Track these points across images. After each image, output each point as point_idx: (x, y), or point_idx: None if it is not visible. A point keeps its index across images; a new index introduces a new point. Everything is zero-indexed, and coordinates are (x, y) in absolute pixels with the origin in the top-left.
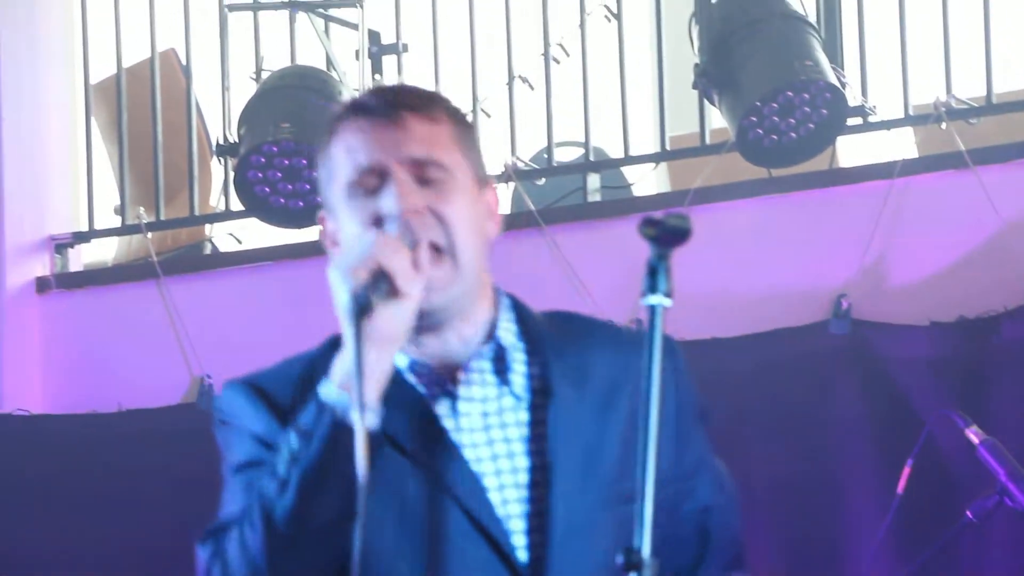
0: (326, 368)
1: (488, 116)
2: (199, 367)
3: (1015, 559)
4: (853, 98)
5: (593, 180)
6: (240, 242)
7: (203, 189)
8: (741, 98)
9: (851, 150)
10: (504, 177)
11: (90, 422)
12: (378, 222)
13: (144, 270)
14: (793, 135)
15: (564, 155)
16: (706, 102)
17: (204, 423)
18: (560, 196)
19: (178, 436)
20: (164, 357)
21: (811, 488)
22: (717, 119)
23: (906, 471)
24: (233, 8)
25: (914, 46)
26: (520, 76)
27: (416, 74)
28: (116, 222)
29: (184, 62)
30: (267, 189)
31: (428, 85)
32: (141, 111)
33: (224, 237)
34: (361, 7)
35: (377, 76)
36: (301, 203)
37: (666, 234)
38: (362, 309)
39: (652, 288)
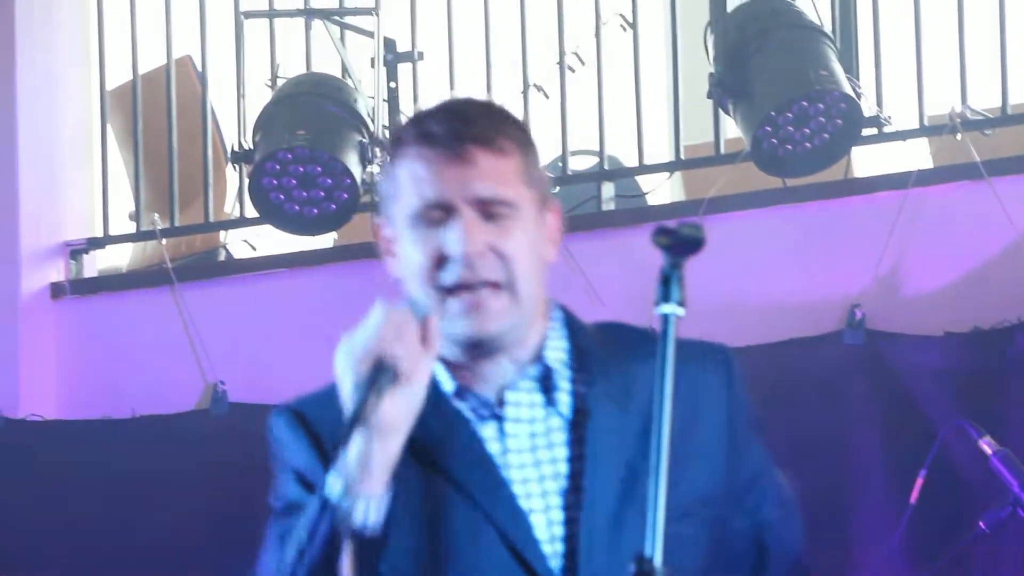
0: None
1: None
2: (212, 373)
3: None
4: (868, 108)
5: (607, 189)
6: (255, 249)
7: (218, 196)
8: (756, 108)
9: (866, 160)
10: None
11: (104, 427)
12: (441, 261)
13: (158, 276)
14: (808, 145)
15: (579, 164)
16: (721, 111)
17: (217, 429)
18: (574, 205)
19: (191, 442)
20: (178, 363)
21: (824, 497)
22: (732, 129)
23: (919, 481)
24: (249, 15)
25: (929, 57)
26: (535, 85)
27: (431, 82)
28: (131, 228)
29: (200, 69)
30: (282, 196)
31: (443, 94)
32: (157, 118)
33: (238, 244)
34: (377, 15)
35: (392, 84)
36: (315, 210)
37: (680, 243)
38: (365, 403)
39: (665, 297)
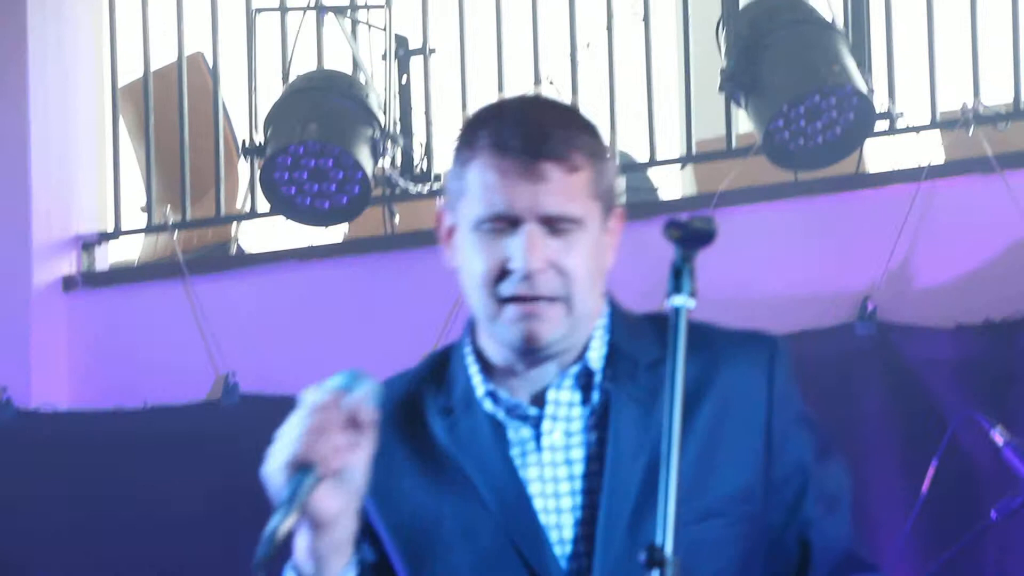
0: (431, 387)
1: None
2: (224, 365)
3: None
4: (880, 103)
5: (619, 182)
6: (266, 242)
7: (229, 189)
8: (768, 102)
9: (878, 154)
10: None
11: (116, 419)
12: (503, 272)
13: (170, 269)
14: (820, 139)
15: None
16: (733, 106)
17: (228, 420)
18: None
19: (203, 433)
20: (189, 355)
21: None
22: (744, 122)
23: (931, 472)
24: (261, 11)
25: (942, 51)
26: (547, 79)
27: (443, 77)
28: (143, 221)
29: (212, 63)
30: (293, 189)
31: (455, 88)
32: (169, 113)
33: (250, 237)
34: (388, 10)
35: (404, 79)
36: (327, 204)
37: (691, 236)
38: (288, 510)
39: (676, 289)
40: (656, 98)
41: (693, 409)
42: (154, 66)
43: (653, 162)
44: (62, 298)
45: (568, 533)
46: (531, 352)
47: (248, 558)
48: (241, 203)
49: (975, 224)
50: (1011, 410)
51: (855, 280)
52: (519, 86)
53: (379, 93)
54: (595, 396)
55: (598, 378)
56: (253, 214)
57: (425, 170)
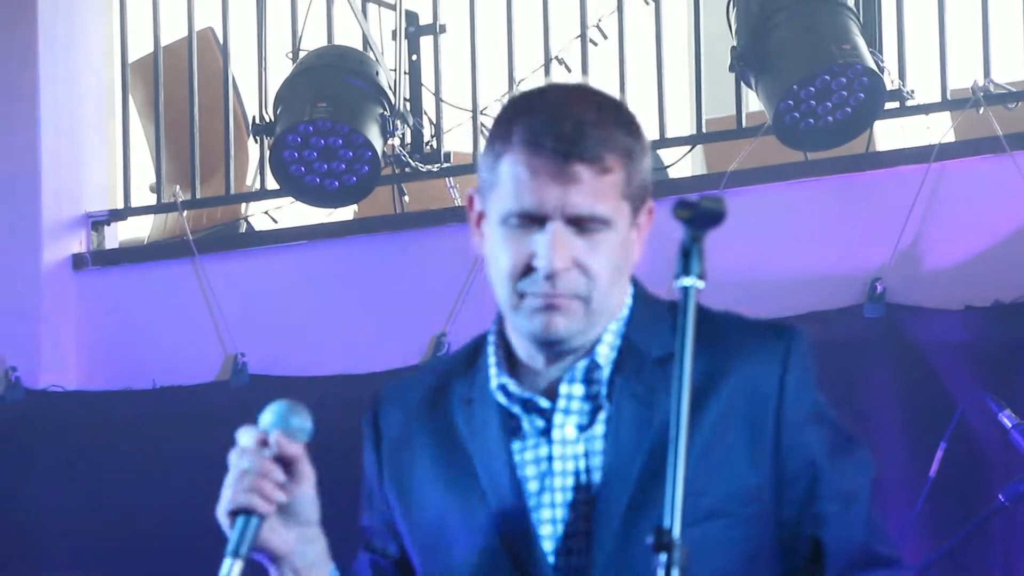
0: (461, 375)
1: None
2: (233, 345)
3: None
4: (890, 82)
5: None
6: (276, 221)
7: (239, 168)
8: (778, 81)
9: (888, 134)
10: None
11: (124, 399)
12: (527, 269)
13: (179, 248)
14: (830, 119)
15: None
16: (743, 85)
17: (237, 401)
18: None
19: (212, 414)
20: (198, 335)
21: None
22: (754, 102)
23: (939, 454)
24: None
25: (952, 30)
26: (557, 58)
27: (453, 55)
28: (152, 200)
29: (221, 41)
30: (303, 168)
31: (465, 67)
32: (178, 90)
33: (259, 216)
34: None
35: (414, 56)
36: (336, 183)
37: (700, 216)
38: (232, 564)
39: (685, 270)
40: (666, 77)
41: (700, 406)
42: (164, 42)
43: (663, 141)
44: (71, 277)
45: (565, 529)
46: (549, 344)
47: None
48: (251, 182)
49: (985, 205)
50: (1020, 392)
51: (864, 261)
52: (529, 65)
53: (389, 71)
54: (601, 391)
55: (605, 373)
56: (263, 193)
57: (435, 149)
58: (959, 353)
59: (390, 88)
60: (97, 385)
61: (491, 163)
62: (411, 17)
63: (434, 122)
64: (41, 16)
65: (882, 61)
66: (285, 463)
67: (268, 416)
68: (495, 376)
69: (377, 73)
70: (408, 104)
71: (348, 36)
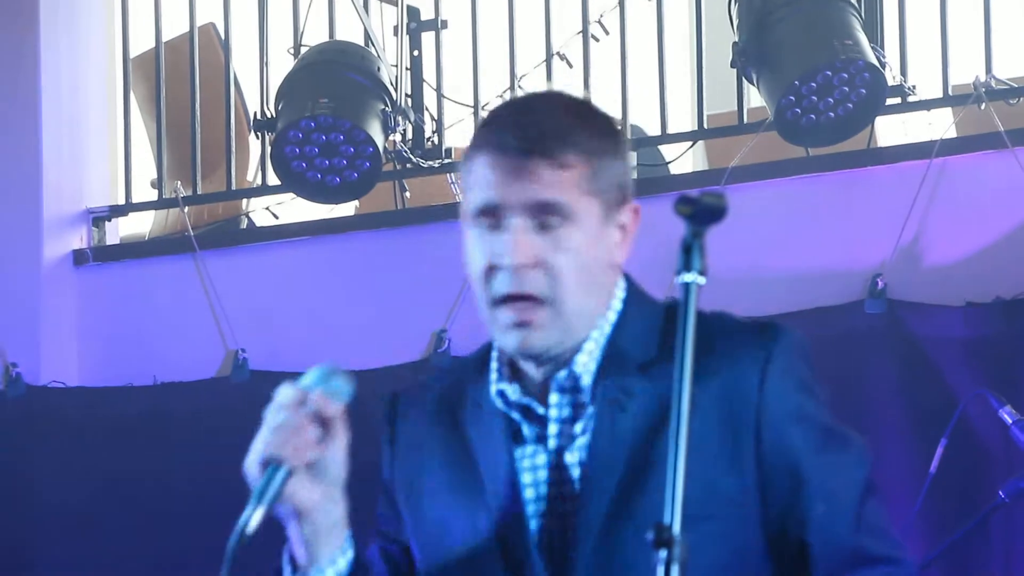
0: (473, 380)
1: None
2: (234, 341)
3: None
4: (892, 78)
5: (630, 158)
6: (277, 217)
7: (240, 164)
8: (780, 77)
9: (889, 130)
10: None
11: (125, 395)
12: (492, 269)
13: (180, 244)
14: (831, 114)
15: None
16: (744, 81)
17: (238, 396)
18: None
19: (213, 410)
20: (200, 331)
21: None
22: (755, 98)
23: (939, 451)
24: None
25: (954, 26)
26: (559, 53)
27: (455, 51)
28: (153, 196)
29: (223, 37)
30: (304, 164)
31: (467, 63)
32: (180, 86)
33: (261, 212)
34: None
35: (415, 52)
36: (337, 178)
37: (702, 212)
38: (258, 505)
39: (686, 266)
40: (668, 73)
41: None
42: (165, 37)
43: (664, 137)
44: (72, 272)
45: (554, 535)
46: (525, 358)
47: (257, 532)
48: (252, 178)
49: (987, 200)
50: (1021, 389)
51: (865, 257)
52: (531, 60)
53: (391, 67)
54: (584, 399)
55: (585, 381)
56: (264, 189)
57: (436, 145)
58: (960, 349)
59: (392, 84)
60: (98, 381)
61: (465, 167)
62: (413, 13)
63: (436, 118)
64: (43, 12)
65: (884, 57)
66: (321, 422)
67: (310, 376)
68: (495, 381)
69: (379, 69)
70: (410, 100)
71: (350, 32)
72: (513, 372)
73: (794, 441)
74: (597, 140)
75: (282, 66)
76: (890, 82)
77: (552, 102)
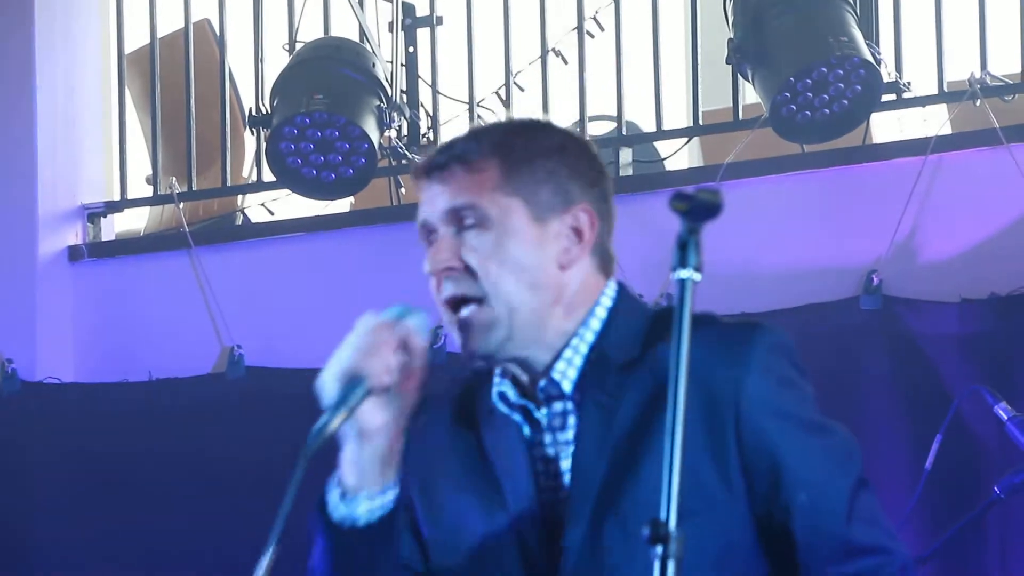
0: (482, 384)
1: (522, 90)
2: (229, 337)
3: None
4: (887, 74)
5: (625, 154)
6: (272, 213)
7: (235, 160)
8: (775, 73)
9: (885, 126)
10: None
11: (121, 391)
12: (435, 284)
13: (176, 240)
14: (827, 111)
15: (597, 129)
16: (740, 77)
17: (234, 393)
18: None
19: (208, 406)
20: (195, 327)
21: None
22: (750, 94)
23: (935, 447)
24: None
25: (949, 22)
26: (554, 50)
27: (450, 47)
28: (148, 192)
29: (218, 33)
30: (299, 160)
31: (462, 58)
32: (174, 82)
33: (256, 208)
34: None
35: (411, 48)
36: (333, 175)
37: (697, 209)
38: (333, 418)
39: (682, 262)
40: (663, 69)
41: (656, 416)
42: (160, 33)
43: (659, 133)
44: (67, 268)
45: (550, 533)
46: (480, 360)
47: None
48: (247, 174)
49: (982, 197)
50: (1016, 385)
51: (860, 253)
52: (526, 57)
53: (386, 63)
54: (567, 405)
55: (566, 387)
56: (259, 185)
57: (431, 141)
58: (955, 345)
59: (387, 80)
60: (93, 377)
61: None
62: (408, 9)
63: (431, 114)
64: (38, 8)
65: (879, 53)
66: (403, 352)
67: (394, 311)
68: (496, 384)
69: (374, 65)
70: (405, 96)
71: (345, 28)
72: (514, 376)
73: (773, 435)
74: (518, 142)
75: (277, 62)
76: (885, 78)
77: (479, 127)
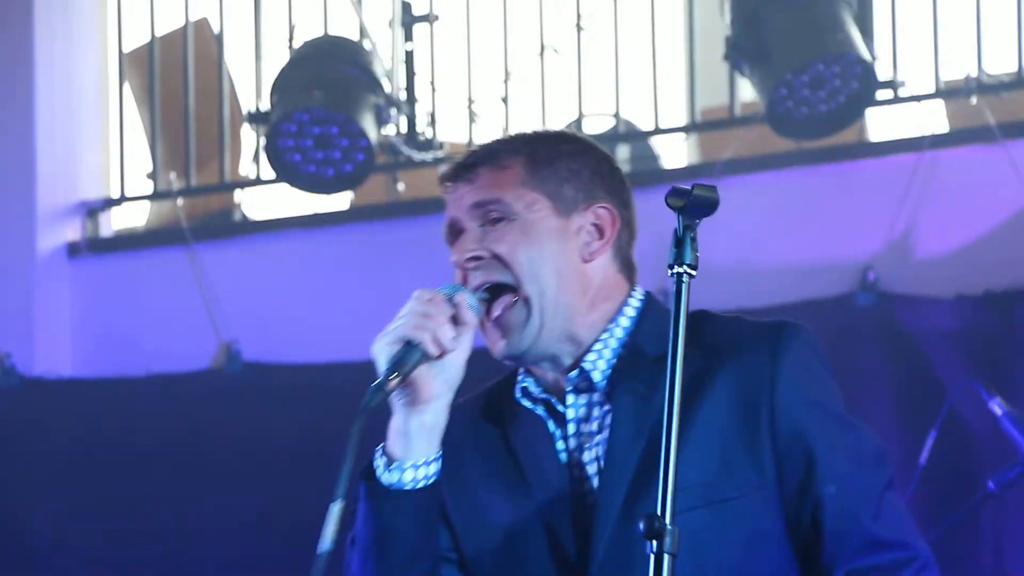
0: (513, 383)
1: (519, 86)
2: (227, 333)
3: None
4: (884, 72)
5: (622, 151)
6: (271, 210)
7: (234, 156)
8: (772, 70)
9: (881, 123)
10: None
11: (119, 386)
12: (462, 277)
13: (174, 236)
14: (823, 108)
15: (594, 126)
16: (737, 74)
17: (231, 388)
18: None
19: (205, 401)
20: (193, 322)
21: None
22: (747, 91)
23: (929, 442)
24: None
25: (945, 20)
26: (551, 47)
27: (447, 44)
28: (147, 188)
29: (217, 32)
30: (298, 156)
31: (460, 56)
32: (174, 79)
33: (254, 204)
34: None
35: (409, 45)
36: (331, 171)
37: (693, 205)
38: (386, 381)
39: (678, 258)
40: (660, 66)
41: (694, 399)
42: (160, 32)
43: (657, 130)
44: (66, 264)
45: (577, 522)
46: (514, 360)
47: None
48: (246, 170)
49: (977, 194)
50: (1010, 380)
51: (856, 250)
52: (523, 53)
53: (384, 60)
54: (596, 397)
55: (597, 377)
56: (258, 181)
57: (429, 138)
58: (950, 341)
59: (385, 77)
60: (92, 372)
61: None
62: (406, 6)
63: (429, 111)
64: (38, 6)
65: (875, 51)
66: (456, 324)
67: (451, 287)
68: (520, 381)
69: (372, 62)
70: (403, 93)
71: (343, 25)
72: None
73: (807, 426)
74: (542, 144)
75: (276, 60)
76: (881, 76)
77: (504, 136)
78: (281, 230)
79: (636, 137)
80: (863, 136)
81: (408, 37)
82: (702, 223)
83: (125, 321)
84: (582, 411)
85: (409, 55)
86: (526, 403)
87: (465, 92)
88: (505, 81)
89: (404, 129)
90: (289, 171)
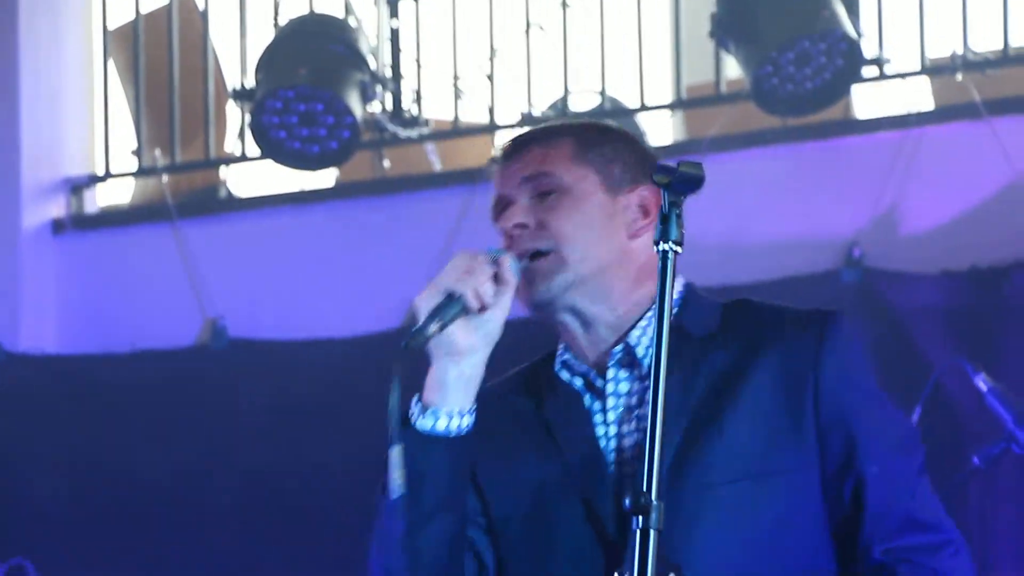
0: (549, 362)
1: (504, 64)
2: (212, 309)
3: (1022, 505)
4: (869, 49)
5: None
6: (255, 186)
7: (219, 133)
8: (757, 47)
9: (866, 101)
10: (520, 125)
11: (103, 362)
12: (507, 243)
13: (159, 212)
14: (809, 85)
15: (580, 103)
16: (722, 51)
17: (217, 364)
18: None
19: (191, 377)
20: (178, 299)
21: None
22: (733, 68)
23: (914, 418)
24: None
25: None
26: (537, 24)
27: (433, 21)
28: (132, 164)
29: (202, 8)
30: (283, 133)
31: (445, 33)
32: (159, 56)
33: (240, 181)
34: None
35: (394, 21)
36: (316, 147)
37: (679, 182)
38: (425, 329)
39: (664, 235)
40: (646, 43)
41: (738, 380)
42: (144, 8)
43: (642, 108)
44: (51, 241)
45: (613, 499)
46: (539, 309)
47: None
48: (231, 147)
49: (962, 171)
50: (995, 356)
51: (842, 226)
52: (509, 30)
53: (370, 37)
54: (642, 372)
55: (641, 352)
56: (243, 158)
57: (415, 115)
58: (935, 317)
59: (371, 54)
60: (77, 349)
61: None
62: None
63: (414, 88)
64: None
65: (860, 28)
66: (497, 282)
67: (493, 249)
68: (559, 355)
69: (358, 39)
70: (388, 70)
71: (329, 2)
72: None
73: (851, 405)
74: (587, 127)
75: (261, 37)
76: (867, 53)
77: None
78: (266, 207)
79: (622, 114)
80: (849, 113)
81: (393, 14)
82: (688, 200)
83: (110, 297)
84: (623, 385)
85: (394, 32)
86: (564, 375)
87: (451, 69)
88: (491, 58)
89: (389, 106)
90: (274, 148)
